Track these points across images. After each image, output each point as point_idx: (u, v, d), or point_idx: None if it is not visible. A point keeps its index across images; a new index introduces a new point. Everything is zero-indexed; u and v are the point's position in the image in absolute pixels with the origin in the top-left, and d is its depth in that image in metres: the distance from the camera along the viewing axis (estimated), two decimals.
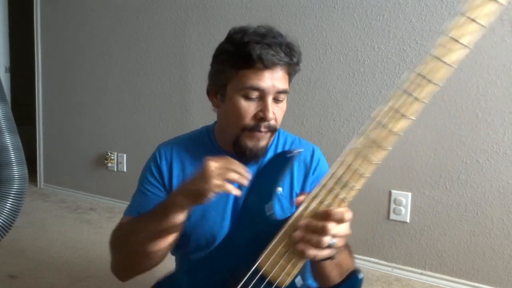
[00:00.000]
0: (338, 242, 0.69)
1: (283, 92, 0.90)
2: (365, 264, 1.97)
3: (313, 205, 0.70)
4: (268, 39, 0.87)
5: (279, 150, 1.03)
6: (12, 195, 0.95)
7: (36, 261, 1.98)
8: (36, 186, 3.29)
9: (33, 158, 3.18)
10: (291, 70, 0.92)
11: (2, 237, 0.93)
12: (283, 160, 0.83)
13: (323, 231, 0.67)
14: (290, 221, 0.71)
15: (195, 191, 0.76)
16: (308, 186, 1.00)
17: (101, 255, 2.06)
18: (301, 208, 0.71)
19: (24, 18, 3.44)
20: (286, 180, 1.00)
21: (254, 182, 0.79)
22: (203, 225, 0.96)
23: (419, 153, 1.85)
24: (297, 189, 1.00)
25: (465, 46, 0.62)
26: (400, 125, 0.64)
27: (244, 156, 0.92)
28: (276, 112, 0.90)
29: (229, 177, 0.75)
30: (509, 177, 1.70)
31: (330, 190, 0.68)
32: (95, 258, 2.03)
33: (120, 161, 2.85)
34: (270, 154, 1.00)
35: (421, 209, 1.87)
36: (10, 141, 0.95)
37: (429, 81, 0.63)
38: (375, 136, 0.65)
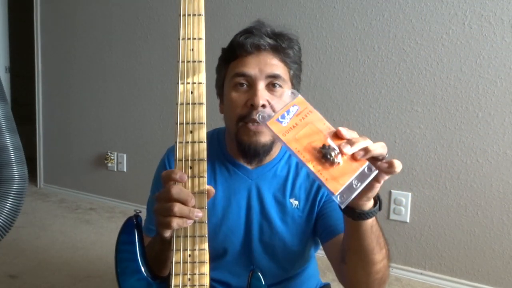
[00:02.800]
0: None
1: (275, 76, 0.83)
2: None
3: None
4: (252, 29, 0.85)
5: (292, 159, 0.92)
6: (12, 194, 0.95)
7: (36, 261, 1.98)
8: (36, 186, 3.29)
9: (33, 158, 3.19)
10: (284, 56, 0.85)
11: (2, 237, 0.92)
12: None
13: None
14: None
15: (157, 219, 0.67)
16: (324, 196, 0.91)
17: (101, 255, 2.06)
18: None
19: (24, 18, 3.44)
20: (302, 191, 0.91)
21: None
22: (215, 239, 0.90)
23: (419, 153, 1.84)
24: (309, 201, 0.91)
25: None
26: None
27: (246, 155, 0.86)
28: (271, 100, 0.81)
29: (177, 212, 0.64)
30: (509, 177, 1.70)
31: None
32: (95, 258, 2.03)
33: (120, 161, 2.85)
34: (283, 163, 0.92)
35: (421, 209, 1.87)
36: (10, 140, 0.95)
37: None
38: None
